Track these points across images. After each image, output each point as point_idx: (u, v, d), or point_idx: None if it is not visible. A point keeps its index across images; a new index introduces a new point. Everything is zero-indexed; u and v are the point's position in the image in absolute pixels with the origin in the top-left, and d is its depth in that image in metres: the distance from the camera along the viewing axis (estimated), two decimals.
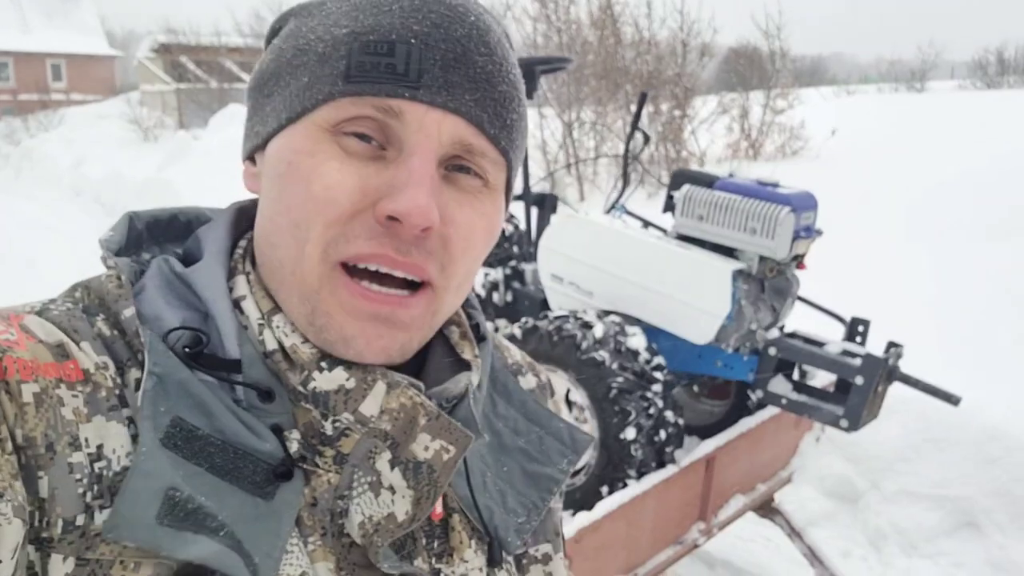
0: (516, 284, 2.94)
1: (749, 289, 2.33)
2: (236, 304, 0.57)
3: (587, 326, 2.33)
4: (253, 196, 0.63)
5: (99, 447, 0.47)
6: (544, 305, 2.77)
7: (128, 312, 0.54)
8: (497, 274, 2.96)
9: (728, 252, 2.38)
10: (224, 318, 0.56)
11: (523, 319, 2.47)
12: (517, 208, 3.18)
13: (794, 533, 2.72)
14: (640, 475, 2.24)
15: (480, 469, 0.64)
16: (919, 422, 3.38)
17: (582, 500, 2.26)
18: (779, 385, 2.38)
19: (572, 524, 2.06)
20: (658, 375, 2.29)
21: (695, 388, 2.93)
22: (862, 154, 10.18)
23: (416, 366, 0.62)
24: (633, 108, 8.98)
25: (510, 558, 0.65)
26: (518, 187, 3.11)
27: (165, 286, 0.57)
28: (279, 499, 0.52)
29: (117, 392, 0.50)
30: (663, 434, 2.25)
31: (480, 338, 0.67)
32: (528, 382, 0.77)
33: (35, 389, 0.46)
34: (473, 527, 0.62)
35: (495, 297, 2.96)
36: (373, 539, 0.54)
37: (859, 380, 2.16)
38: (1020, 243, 5.32)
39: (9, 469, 0.44)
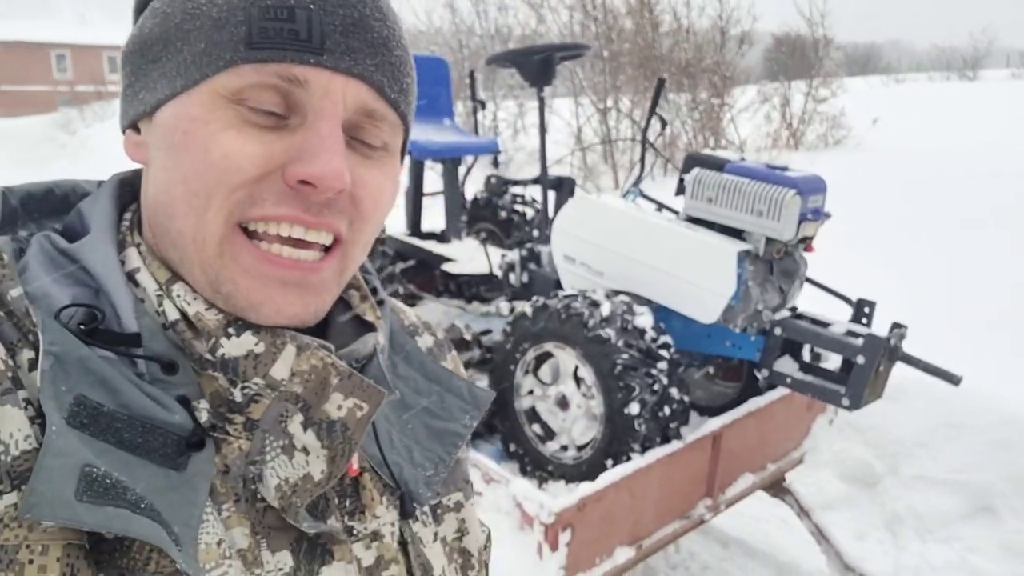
0: (532, 265, 3.02)
1: (756, 270, 2.37)
2: (130, 277, 0.56)
3: (595, 305, 2.39)
4: (135, 168, 0.63)
5: None
6: (557, 286, 2.84)
7: (15, 292, 0.52)
8: (514, 256, 3.04)
9: (736, 234, 2.42)
10: (119, 292, 0.55)
11: (534, 298, 2.55)
12: (535, 191, 3.25)
13: (803, 513, 2.76)
14: (644, 450, 2.31)
15: (386, 428, 0.65)
16: (938, 408, 3.38)
17: (587, 473, 2.33)
18: (785, 365, 2.42)
19: (576, 493, 2.14)
20: (664, 353, 2.35)
21: (710, 371, 2.98)
22: (905, 143, 10.03)
23: (318, 330, 0.62)
24: (671, 96, 8.97)
25: (426, 509, 0.67)
26: (535, 172, 3.18)
27: (49, 263, 0.56)
28: (191, 469, 0.52)
29: (10, 375, 0.49)
30: (667, 410, 2.31)
31: (379, 302, 0.68)
32: (425, 341, 0.78)
33: None
34: (384, 484, 0.64)
35: (511, 278, 3.04)
36: (292, 500, 0.55)
37: (860, 359, 2.19)
38: None
39: None
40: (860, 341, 2.21)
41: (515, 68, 3.04)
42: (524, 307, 2.55)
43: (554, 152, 7.04)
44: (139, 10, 0.59)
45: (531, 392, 2.59)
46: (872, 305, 2.37)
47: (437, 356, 0.78)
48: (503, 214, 3.71)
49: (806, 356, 2.52)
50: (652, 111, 2.99)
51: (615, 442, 2.33)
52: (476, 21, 9.63)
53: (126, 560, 0.48)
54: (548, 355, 2.53)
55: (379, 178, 0.57)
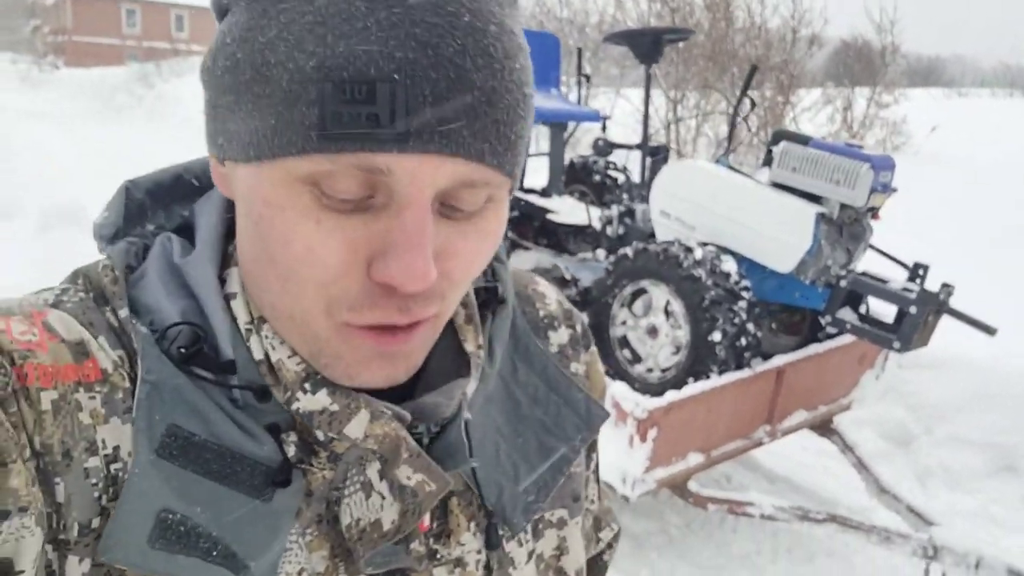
0: (627, 220, 3.47)
1: (829, 231, 2.80)
2: (227, 300, 0.54)
3: (688, 250, 2.84)
4: None
5: (115, 448, 0.48)
6: (650, 238, 3.29)
7: (123, 313, 0.53)
8: (613, 211, 3.49)
9: (815, 199, 2.84)
10: (216, 316, 0.54)
11: (634, 243, 3.00)
12: (635, 157, 3.70)
13: (847, 448, 3.19)
14: (721, 373, 2.76)
15: (494, 440, 0.62)
16: (975, 377, 3.78)
17: (674, 385, 2.78)
18: (846, 314, 2.85)
19: (665, 398, 2.59)
20: (744, 294, 2.79)
21: (774, 325, 3.41)
22: (963, 153, 10.24)
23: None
24: (737, 91, 9.32)
25: (528, 525, 0.64)
26: (636, 138, 3.63)
27: (166, 271, 0.55)
28: (278, 501, 0.52)
29: (132, 392, 0.50)
30: (743, 341, 2.75)
31: (500, 301, 0.65)
32: (559, 337, 0.74)
33: (54, 396, 0.47)
34: (477, 505, 0.61)
35: (608, 230, 3.50)
36: (356, 546, 0.54)
37: (912, 309, 2.61)
38: None
39: (28, 477, 0.44)
40: (913, 294, 2.63)
41: (628, 46, 3.48)
42: (626, 250, 3.00)
43: (621, 134, 7.46)
44: (219, 13, 0.51)
45: (624, 322, 3.05)
46: (926, 268, 2.78)
47: (570, 356, 0.74)
48: (597, 178, 4.16)
49: (864, 312, 2.94)
50: (744, 92, 3.42)
51: (697, 364, 2.78)
52: (556, 5, 10.06)
53: None
54: (642, 291, 2.98)
55: (475, 243, 0.51)
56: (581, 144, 8.69)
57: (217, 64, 0.49)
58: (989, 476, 3.52)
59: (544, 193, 4.00)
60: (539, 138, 4.23)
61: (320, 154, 0.44)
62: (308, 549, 0.53)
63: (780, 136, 2.97)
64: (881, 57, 11.18)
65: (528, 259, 3.78)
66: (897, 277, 2.85)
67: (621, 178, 4.10)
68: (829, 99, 10.95)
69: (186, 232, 0.59)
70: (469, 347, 0.61)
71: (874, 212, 2.87)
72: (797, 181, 2.86)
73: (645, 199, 3.35)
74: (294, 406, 0.53)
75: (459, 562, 0.60)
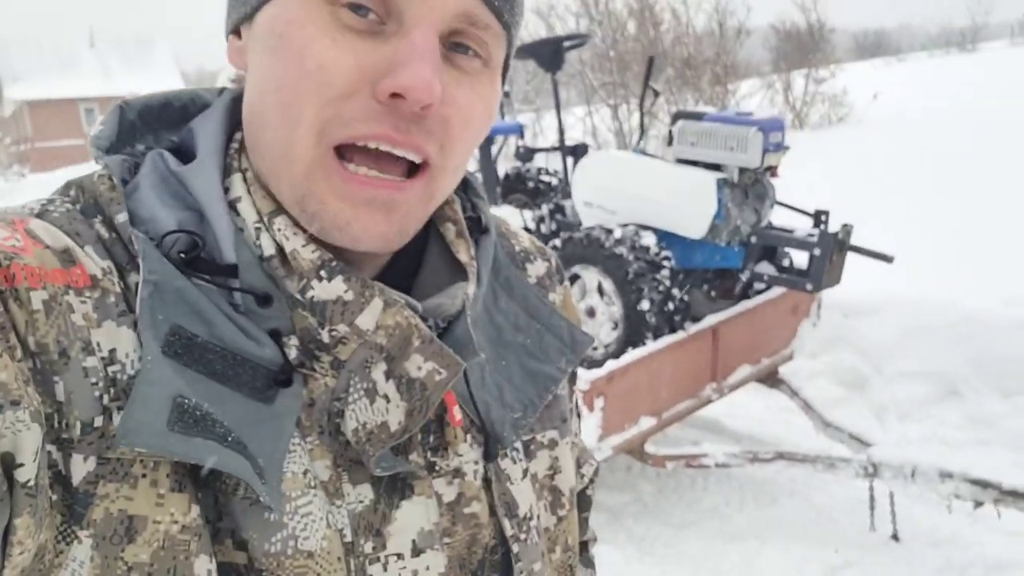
0: (559, 216, 3.69)
1: (733, 194, 3.02)
2: (232, 205, 0.56)
3: (609, 232, 3.06)
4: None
5: (111, 351, 0.48)
6: (579, 229, 3.51)
7: (121, 218, 0.53)
8: (544, 210, 3.72)
9: (716, 168, 3.08)
10: (220, 221, 0.55)
11: (562, 233, 3.22)
12: (555, 159, 3.94)
13: (794, 394, 3.39)
14: (656, 338, 2.96)
15: (479, 364, 0.64)
16: (911, 315, 3.99)
17: (616, 358, 2.99)
18: (763, 267, 3.07)
19: (604, 369, 2.79)
20: (665, 263, 3.01)
21: (713, 293, 3.62)
22: (904, 116, 10.59)
23: (412, 267, 0.63)
24: (682, 92, 9.65)
25: (518, 446, 0.66)
26: (551, 140, 3.86)
27: (160, 184, 0.56)
28: (279, 403, 0.53)
29: (123, 297, 0.50)
30: (671, 305, 2.97)
31: (483, 230, 0.67)
32: (537, 269, 0.76)
33: (44, 296, 0.47)
34: (470, 421, 0.63)
35: (542, 228, 3.72)
36: (365, 447, 0.55)
37: (817, 251, 2.84)
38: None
39: (22, 376, 0.44)
40: (815, 238, 2.85)
41: (532, 58, 3.74)
42: (555, 241, 3.22)
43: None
44: None
45: None
46: (827, 213, 3.01)
47: (547, 287, 0.76)
48: (531, 184, 4.39)
49: (788, 264, 3.17)
50: (646, 84, 3.67)
51: (633, 335, 2.99)
52: None
53: (219, 483, 0.50)
54: (576, 276, 3.19)
55: (472, 97, 0.55)
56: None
57: None
58: (935, 403, 3.71)
59: None
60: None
61: None
62: (311, 457, 0.54)
63: (678, 116, 3.21)
64: (811, 35, 11.57)
65: None
66: (807, 227, 3.08)
67: (554, 181, 4.34)
68: (768, 84, 11.32)
69: (176, 155, 0.59)
70: (463, 257, 0.63)
71: (772, 170, 3.10)
72: (697, 154, 3.10)
73: (571, 195, 3.57)
74: (308, 294, 0.54)
75: (457, 472, 0.61)
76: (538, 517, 0.66)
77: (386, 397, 0.56)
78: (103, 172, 0.56)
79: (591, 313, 3.15)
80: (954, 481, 2.56)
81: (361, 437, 0.55)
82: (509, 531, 0.63)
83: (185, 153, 0.59)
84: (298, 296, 0.54)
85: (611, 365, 2.80)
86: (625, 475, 3.61)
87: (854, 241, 2.90)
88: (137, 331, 0.49)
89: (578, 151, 3.77)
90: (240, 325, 0.53)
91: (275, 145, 0.53)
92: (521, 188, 4.43)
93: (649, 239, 3.04)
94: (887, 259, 2.79)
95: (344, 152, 0.53)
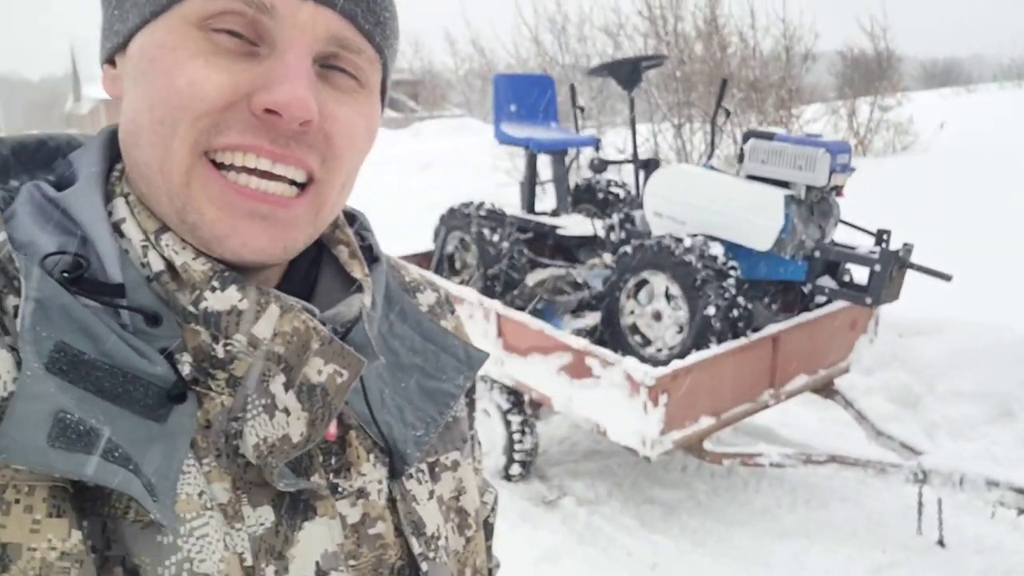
0: (628, 225, 3.91)
1: (799, 210, 3.20)
2: (116, 227, 0.55)
3: (679, 240, 3.26)
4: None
5: None
6: (648, 237, 3.72)
7: None
8: (614, 219, 3.94)
9: (784, 186, 3.26)
10: (104, 241, 0.54)
11: (633, 240, 3.44)
12: (626, 171, 4.16)
13: (848, 404, 3.54)
14: (720, 343, 3.15)
15: (378, 387, 0.64)
16: (966, 337, 4.11)
17: (678, 358, 3.18)
18: (825, 281, 3.24)
19: (670, 367, 2.99)
20: (732, 273, 3.19)
21: (774, 306, 3.79)
22: (972, 146, 10.53)
23: (306, 287, 0.63)
24: (743, 113, 9.79)
25: (423, 467, 0.67)
26: (627, 152, 4.08)
27: (37, 211, 0.55)
28: (172, 421, 0.51)
29: None
30: (735, 312, 3.15)
31: (373, 259, 0.68)
32: (427, 298, 0.78)
33: None
34: (372, 442, 0.63)
35: (612, 236, 3.94)
36: (268, 460, 0.54)
37: (877, 267, 3.00)
38: None
39: None
40: (876, 255, 3.02)
41: (611, 75, 3.97)
42: (626, 248, 3.44)
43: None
44: None
45: (632, 312, 3.46)
46: (889, 233, 3.17)
47: (438, 315, 0.78)
48: (600, 195, 4.62)
49: (848, 280, 3.33)
50: (718, 103, 3.87)
51: (698, 339, 3.18)
52: (558, 52, 10.68)
53: (107, 508, 0.48)
54: (644, 282, 3.40)
55: (351, 114, 0.56)
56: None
57: None
58: (988, 423, 3.82)
59: (554, 214, 4.46)
60: (545, 166, 4.72)
61: None
62: (207, 479, 0.53)
63: (749, 135, 3.41)
64: (878, 64, 11.59)
65: (545, 272, 4.23)
66: (869, 245, 3.24)
67: (622, 192, 4.56)
68: (833, 109, 11.36)
69: (55, 188, 0.59)
70: (357, 274, 0.65)
71: (838, 190, 3.27)
72: (767, 171, 3.29)
73: (641, 206, 3.78)
74: (202, 305, 0.54)
75: (361, 492, 0.61)
76: (446, 538, 0.67)
77: (286, 411, 0.55)
78: None
79: (657, 316, 3.36)
80: (1000, 489, 2.70)
81: (263, 451, 0.54)
82: (417, 549, 0.63)
83: (63, 186, 0.58)
84: (191, 309, 0.54)
85: (676, 364, 2.99)
86: (681, 473, 3.79)
87: (914, 260, 3.06)
88: (12, 353, 0.47)
89: (650, 165, 3.98)
90: (129, 343, 0.52)
91: (152, 161, 0.53)
92: (591, 198, 4.66)
93: (717, 249, 3.23)
94: (946, 277, 2.93)
95: (224, 167, 0.53)
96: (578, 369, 3.28)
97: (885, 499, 3.37)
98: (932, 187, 8.12)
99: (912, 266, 3.01)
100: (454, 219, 4.14)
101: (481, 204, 4.07)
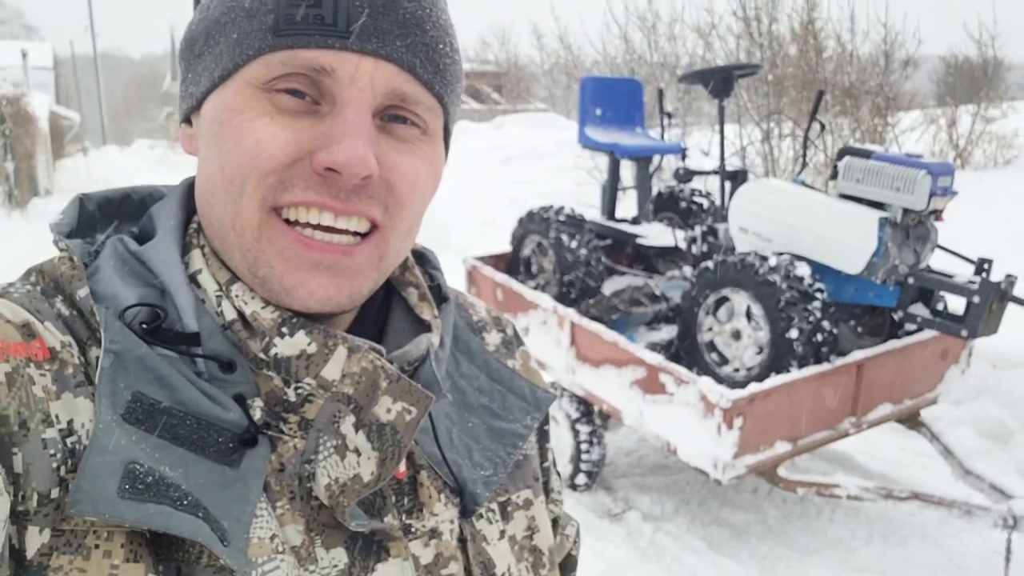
0: (710, 239, 3.81)
1: (894, 234, 3.06)
2: (192, 278, 0.58)
3: (764, 259, 3.16)
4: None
5: (69, 423, 0.49)
6: (731, 252, 3.62)
7: (83, 292, 0.54)
8: (697, 231, 3.84)
9: (879, 207, 3.12)
10: (180, 292, 0.57)
11: (715, 256, 3.35)
12: (713, 182, 4.05)
13: (935, 437, 3.38)
14: (801, 367, 3.04)
15: (446, 426, 0.65)
16: None
17: (756, 380, 3.09)
18: (917, 309, 3.09)
19: (747, 389, 2.90)
20: (818, 295, 3.08)
21: (860, 329, 3.64)
22: None
23: (376, 330, 0.65)
24: (837, 120, 9.46)
25: (494, 507, 0.67)
26: (713, 164, 3.98)
27: (120, 265, 0.58)
28: (245, 466, 0.53)
29: (83, 369, 0.51)
30: (819, 336, 3.04)
31: (442, 298, 0.69)
32: (493, 339, 0.79)
33: (7, 368, 0.48)
34: (443, 482, 0.64)
35: (694, 248, 3.85)
36: (340, 500, 0.55)
37: (976, 299, 2.84)
38: None
39: None
40: (976, 285, 2.86)
41: (701, 84, 3.87)
42: (708, 263, 3.35)
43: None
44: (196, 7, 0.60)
45: (710, 328, 3.38)
46: (990, 262, 3.00)
47: (503, 355, 0.78)
48: (683, 204, 4.52)
49: (942, 308, 3.17)
50: (813, 116, 3.73)
51: (777, 361, 3.08)
52: (647, 51, 10.51)
53: (181, 553, 0.50)
54: (725, 299, 3.31)
55: (414, 163, 0.58)
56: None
57: (192, 27, 0.59)
58: None
59: (634, 221, 4.39)
60: (628, 172, 4.64)
61: (275, 52, 0.53)
62: (280, 522, 0.54)
63: (844, 152, 3.27)
64: (984, 72, 11.04)
65: (622, 281, 4.16)
66: (967, 273, 3.08)
67: (706, 203, 4.45)
68: (932, 119, 10.88)
69: (137, 241, 0.62)
70: (426, 316, 0.66)
71: (937, 214, 3.11)
72: (861, 191, 3.15)
73: (725, 219, 3.68)
74: (272, 352, 0.56)
75: (434, 533, 0.62)
76: None
77: (356, 451, 0.56)
78: (63, 254, 0.57)
79: (737, 335, 3.26)
80: None
81: (335, 491, 0.55)
82: None
83: (146, 239, 0.61)
84: (262, 355, 0.56)
85: (754, 387, 2.90)
86: (751, 496, 3.69)
87: (1016, 292, 2.89)
88: (95, 403, 0.49)
89: (737, 177, 3.87)
90: (203, 390, 0.54)
91: (225, 218, 0.56)
92: (673, 207, 4.56)
93: (804, 270, 3.12)
94: None
95: (291, 222, 0.56)
96: (651, 384, 3.22)
97: (969, 542, 3.21)
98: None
99: (1015, 299, 2.84)
100: (532, 223, 4.11)
101: (561, 209, 4.03)
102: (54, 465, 0.47)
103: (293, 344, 0.56)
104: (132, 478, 0.47)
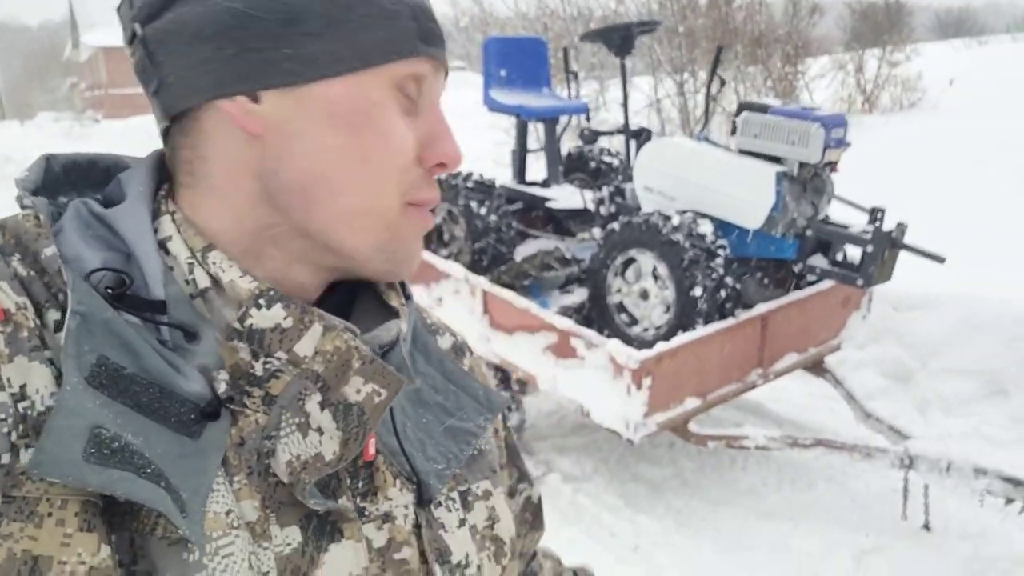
0: (618, 199, 3.81)
1: (791, 187, 3.11)
2: (161, 245, 0.57)
3: (667, 218, 3.17)
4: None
5: (22, 387, 0.47)
6: (638, 212, 3.63)
7: (49, 251, 0.53)
8: (604, 191, 3.84)
9: (776, 161, 3.16)
10: (149, 257, 0.56)
11: (621, 217, 3.35)
12: (619, 140, 4.04)
13: (838, 383, 3.49)
14: (706, 324, 3.09)
15: (401, 419, 0.66)
16: (962, 312, 4.04)
17: (666, 340, 3.12)
18: (817, 260, 3.16)
19: (654, 349, 2.93)
20: (720, 252, 3.11)
21: (766, 281, 3.71)
22: (981, 104, 10.30)
23: (341, 313, 0.64)
24: (749, 69, 9.57)
25: (455, 496, 0.69)
26: (613, 112, 3.97)
27: (84, 227, 0.57)
28: (206, 438, 0.53)
29: (38, 333, 0.50)
30: (723, 293, 3.08)
31: (406, 295, 0.70)
32: (445, 342, 0.81)
33: None
34: (398, 470, 0.64)
35: (602, 210, 3.85)
36: (300, 476, 0.55)
37: (869, 248, 2.92)
38: None
39: None
40: (869, 235, 2.93)
41: (602, 42, 3.84)
42: (614, 224, 3.35)
43: (633, 120, 7.80)
44: None
45: (619, 290, 3.39)
46: (883, 211, 3.07)
47: (456, 358, 0.81)
48: (593, 164, 4.51)
49: (842, 258, 3.24)
50: (713, 72, 3.74)
51: (684, 319, 3.11)
52: (560, 5, 10.39)
53: (135, 523, 0.49)
54: (632, 260, 3.32)
55: None
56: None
57: (292, 4, 0.55)
58: (980, 401, 3.77)
59: (544, 184, 4.36)
60: (537, 133, 4.60)
61: (420, 56, 0.59)
62: (236, 497, 0.54)
63: (743, 107, 3.29)
64: (887, 16, 11.29)
65: (534, 245, 4.15)
66: (862, 223, 3.15)
67: (616, 162, 4.45)
68: (840, 64, 11.10)
69: (103, 205, 0.61)
70: (395, 303, 0.68)
71: (832, 166, 3.17)
72: (759, 146, 3.18)
73: (632, 178, 3.69)
74: (247, 322, 0.56)
75: (387, 517, 0.62)
76: (479, 567, 0.68)
77: (319, 430, 0.57)
78: (29, 211, 0.56)
79: (644, 295, 3.29)
80: (988, 478, 2.66)
81: (296, 468, 0.55)
82: None
83: (110, 205, 0.60)
84: (236, 325, 0.56)
85: (661, 346, 2.94)
86: (667, 451, 3.77)
87: (909, 238, 2.97)
88: (51, 367, 0.49)
89: (641, 136, 3.87)
90: (168, 359, 0.53)
91: (358, 204, 0.59)
92: (583, 168, 4.55)
93: (706, 227, 3.15)
94: (939, 259, 2.85)
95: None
96: (563, 349, 3.23)
97: (871, 481, 3.34)
98: (939, 146, 7.96)
99: (905, 247, 2.93)
100: (441, 190, 4.04)
101: (469, 175, 3.97)
102: (4, 430, 0.46)
103: (269, 317, 0.56)
104: (97, 443, 0.46)
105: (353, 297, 0.69)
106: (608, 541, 3.09)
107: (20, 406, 0.47)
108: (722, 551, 3.01)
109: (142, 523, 0.49)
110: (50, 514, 0.46)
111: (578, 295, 3.81)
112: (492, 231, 3.87)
